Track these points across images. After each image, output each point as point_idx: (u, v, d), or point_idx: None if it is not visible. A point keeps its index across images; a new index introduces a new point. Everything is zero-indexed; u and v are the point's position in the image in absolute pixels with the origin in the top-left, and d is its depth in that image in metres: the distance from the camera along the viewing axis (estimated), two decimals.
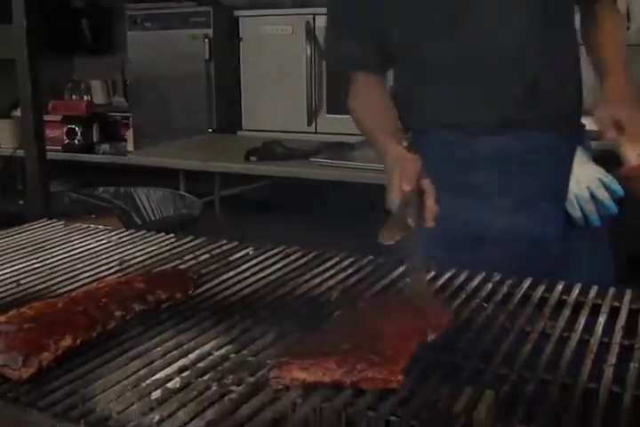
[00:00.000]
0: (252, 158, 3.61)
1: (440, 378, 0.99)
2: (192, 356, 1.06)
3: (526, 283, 1.34)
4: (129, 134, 5.08)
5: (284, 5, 4.65)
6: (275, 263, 1.48)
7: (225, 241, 1.62)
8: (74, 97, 5.72)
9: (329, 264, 1.46)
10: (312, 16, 4.38)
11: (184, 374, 1.01)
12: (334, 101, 4.43)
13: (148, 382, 0.99)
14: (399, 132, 1.63)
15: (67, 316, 1.11)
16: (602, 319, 1.19)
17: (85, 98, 5.66)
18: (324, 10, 1.73)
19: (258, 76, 4.58)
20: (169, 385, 0.98)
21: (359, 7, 1.64)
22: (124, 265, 1.49)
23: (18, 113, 4.98)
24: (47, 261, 1.52)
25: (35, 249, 1.61)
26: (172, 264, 1.49)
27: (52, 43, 4.99)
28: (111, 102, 5.66)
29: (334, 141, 3.93)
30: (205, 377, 1.00)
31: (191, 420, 0.90)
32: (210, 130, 4.68)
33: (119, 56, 5.45)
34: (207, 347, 1.09)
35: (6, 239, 1.69)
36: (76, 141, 5.12)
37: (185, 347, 1.09)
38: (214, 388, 0.97)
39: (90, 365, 1.04)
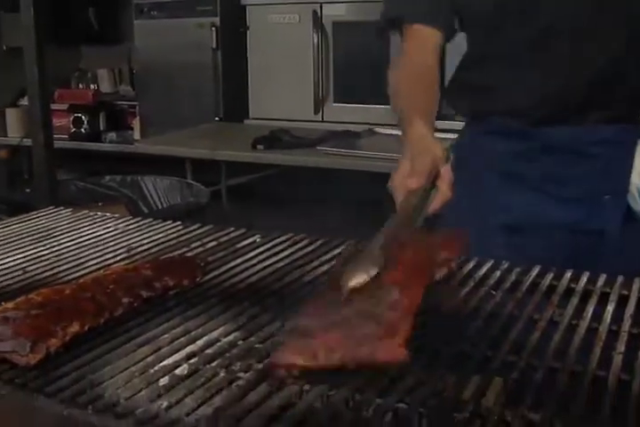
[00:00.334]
0: (259, 147, 3.61)
1: (448, 366, 0.98)
2: (200, 342, 1.06)
3: (534, 271, 1.34)
4: (136, 123, 5.07)
5: None
6: (282, 251, 1.47)
7: (232, 229, 1.61)
8: (80, 86, 5.71)
9: (336, 251, 1.46)
10: (319, 5, 4.37)
11: (192, 360, 1.01)
12: (341, 90, 4.43)
13: (155, 368, 0.99)
14: (433, 113, 1.47)
15: (74, 302, 1.11)
16: (610, 307, 1.18)
17: (92, 87, 5.65)
18: None
19: (265, 65, 4.58)
20: (177, 372, 0.98)
21: None
22: (132, 252, 1.49)
23: (25, 102, 4.98)
24: (54, 249, 1.52)
25: (42, 236, 1.61)
26: (180, 252, 1.49)
27: (58, 32, 4.99)
28: (118, 91, 5.66)
29: (341, 130, 3.93)
30: (213, 364, 1.00)
31: (199, 406, 0.89)
32: (217, 118, 4.68)
33: (126, 45, 5.44)
34: (215, 334, 1.09)
35: (13, 227, 1.69)
36: (82, 130, 5.13)
37: (193, 334, 1.09)
38: (222, 374, 0.97)
39: (97, 351, 1.04)
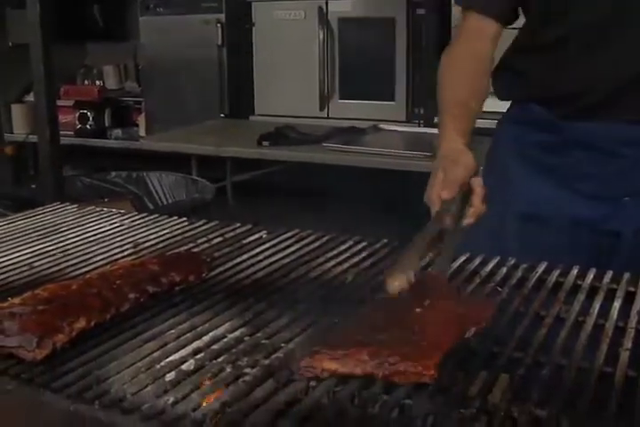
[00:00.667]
0: (265, 143, 3.61)
1: (455, 362, 0.98)
2: (206, 338, 1.06)
3: (541, 267, 1.34)
4: (141, 119, 5.08)
5: None
6: (288, 247, 1.47)
7: (238, 225, 1.61)
8: (86, 82, 5.72)
9: (343, 248, 1.45)
10: (324, 1, 4.37)
11: (198, 356, 1.01)
12: (347, 87, 4.43)
13: (162, 364, 0.99)
14: (472, 119, 1.51)
15: (81, 298, 1.11)
16: (617, 304, 1.18)
17: (98, 83, 5.66)
18: None
19: (270, 62, 4.58)
20: (183, 367, 0.98)
21: None
22: (138, 248, 1.49)
23: (30, 98, 4.98)
24: (60, 244, 1.52)
25: (48, 232, 1.61)
26: (186, 247, 1.49)
27: (64, 28, 4.99)
28: (123, 87, 5.66)
29: (346, 126, 3.93)
30: (219, 359, 1.00)
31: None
32: (222, 115, 4.68)
33: (131, 41, 5.45)
34: (221, 329, 1.09)
35: (19, 223, 1.69)
36: (88, 126, 5.14)
37: (199, 329, 1.09)
38: (228, 370, 0.97)
39: (104, 346, 1.04)
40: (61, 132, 2.07)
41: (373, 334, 0.99)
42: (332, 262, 1.38)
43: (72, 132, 5.07)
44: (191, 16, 4.70)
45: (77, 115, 5.13)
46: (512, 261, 1.36)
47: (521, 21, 1.60)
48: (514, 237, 1.55)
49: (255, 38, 4.62)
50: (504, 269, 1.33)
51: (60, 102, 4.18)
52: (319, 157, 3.47)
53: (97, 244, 1.52)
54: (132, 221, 1.68)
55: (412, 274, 1.16)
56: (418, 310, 1.07)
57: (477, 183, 1.36)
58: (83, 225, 1.66)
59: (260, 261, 1.40)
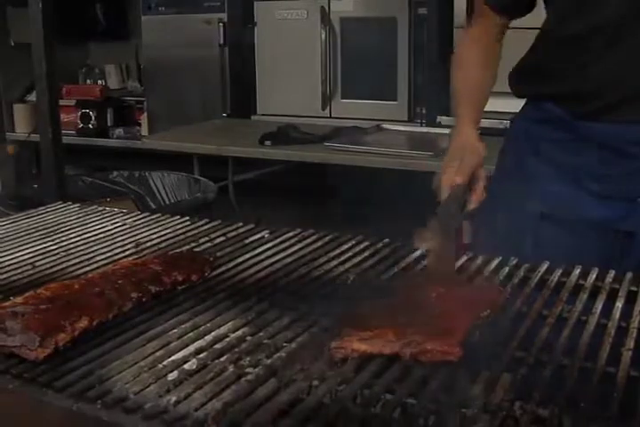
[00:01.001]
0: (267, 143, 3.60)
1: (457, 361, 0.98)
2: (208, 338, 1.06)
3: (543, 267, 1.34)
4: (143, 119, 5.08)
5: None
6: (290, 246, 1.47)
7: (240, 224, 1.61)
8: (88, 81, 5.73)
9: (345, 247, 1.46)
10: (327, 0, 4.36)
11: (200, 355, 1.01)
12: (349, 86, 4.42)
13: (164, 363, 0.99)
14: (482, 109, 1.64)
15: (83, 297, 1.11)
16: (619, 304, 1.18)
17: (100, 82, 5.66)
18: None
19: (272, 61, 4.57)
20: (185, 367, 0.98)
21: None
22: (140, 247, 1.49)
23: (33, 98, 4.99)
24: (63, 244, 1.52)
25: (50, 231, 1.61)
26: (188, 247, 1.49)
27: (66, 28, 4.99)
28: (125, 87, 5.67)
29: (348, 126, 3.92)
30: (222, 359, 1.00)
31: (208, 401, 0.90)
32: (224, 114, 4.68)
33: (133, 41, 5.45)
34: (223, 329, 1.09)
35: (22, 222, 1.69)
36: (90, 126, 5.13)
37: (201, 329, 1.09)
38: (231, 369, 0.97)
39: (106, 346, 1.04)
40: (63, 132, 2.06)
41: (394, 319, 1.04)
42: (334, 262, 1.38)
43: (74, 132, 5.07)
44: (193, 15, 4.69)
45: (79, 114, 5.13)
46: (514, 261, 1.36)
47: (526, 21, 1.62)
48: (529, 236, 1.55)
49: (257, 38, 4.62)
50: (506, 269, 1.33)
51: (62, 102, 4.16)
52: (321, 156, 3.46)
53: (99, 243, 1.52)
54: (135, 221, 1.68)
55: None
56: (433, 295, 1.13)
57: (481, 174, 1.49)
58: (85, 224, 1.66)
59: (262, 260, 1.40)
